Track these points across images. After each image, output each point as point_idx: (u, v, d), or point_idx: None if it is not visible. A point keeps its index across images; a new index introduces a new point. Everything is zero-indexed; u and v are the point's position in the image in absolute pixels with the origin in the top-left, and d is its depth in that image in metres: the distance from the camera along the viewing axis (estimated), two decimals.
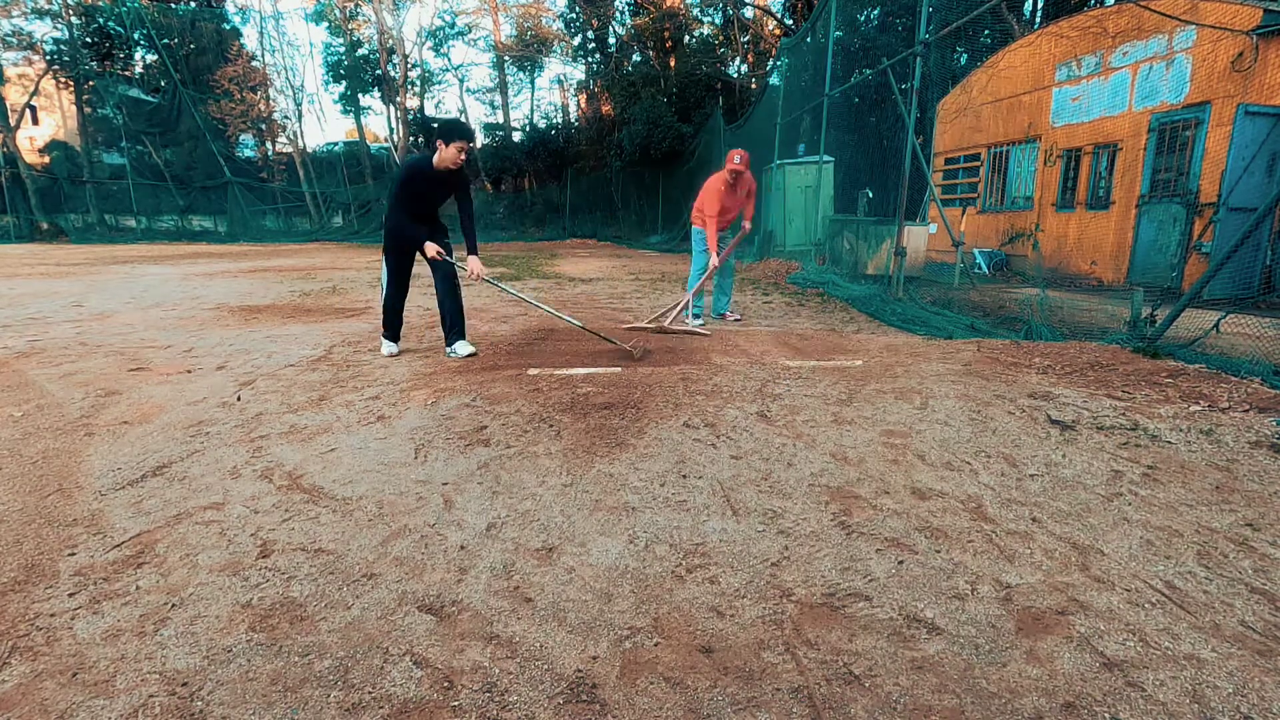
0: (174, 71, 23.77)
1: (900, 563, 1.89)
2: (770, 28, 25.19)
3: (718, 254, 5.73)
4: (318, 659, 1.50)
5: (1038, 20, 16.65)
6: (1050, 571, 1.85)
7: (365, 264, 13.27)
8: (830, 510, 2.21)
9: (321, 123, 57.78)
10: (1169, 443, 2.82)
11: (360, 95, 27.50)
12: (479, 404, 3.35)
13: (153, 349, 4.76)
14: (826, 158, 11.45)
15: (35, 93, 24.59)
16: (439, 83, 32.30)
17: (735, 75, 24.70)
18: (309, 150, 26.96)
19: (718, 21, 25.76)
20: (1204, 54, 8.02)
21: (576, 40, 28.31)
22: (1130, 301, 4.87)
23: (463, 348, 4.50)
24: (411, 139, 27.84)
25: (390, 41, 26.54)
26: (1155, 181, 8.88)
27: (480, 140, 29.27)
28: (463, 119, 30.05)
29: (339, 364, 4.28)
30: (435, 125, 4.84)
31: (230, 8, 26.71)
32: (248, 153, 27.50)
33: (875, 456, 2.68)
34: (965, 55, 14.61)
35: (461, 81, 42.22)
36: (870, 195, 10.91)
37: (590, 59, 28.67)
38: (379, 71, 26.77)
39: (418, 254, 4.47)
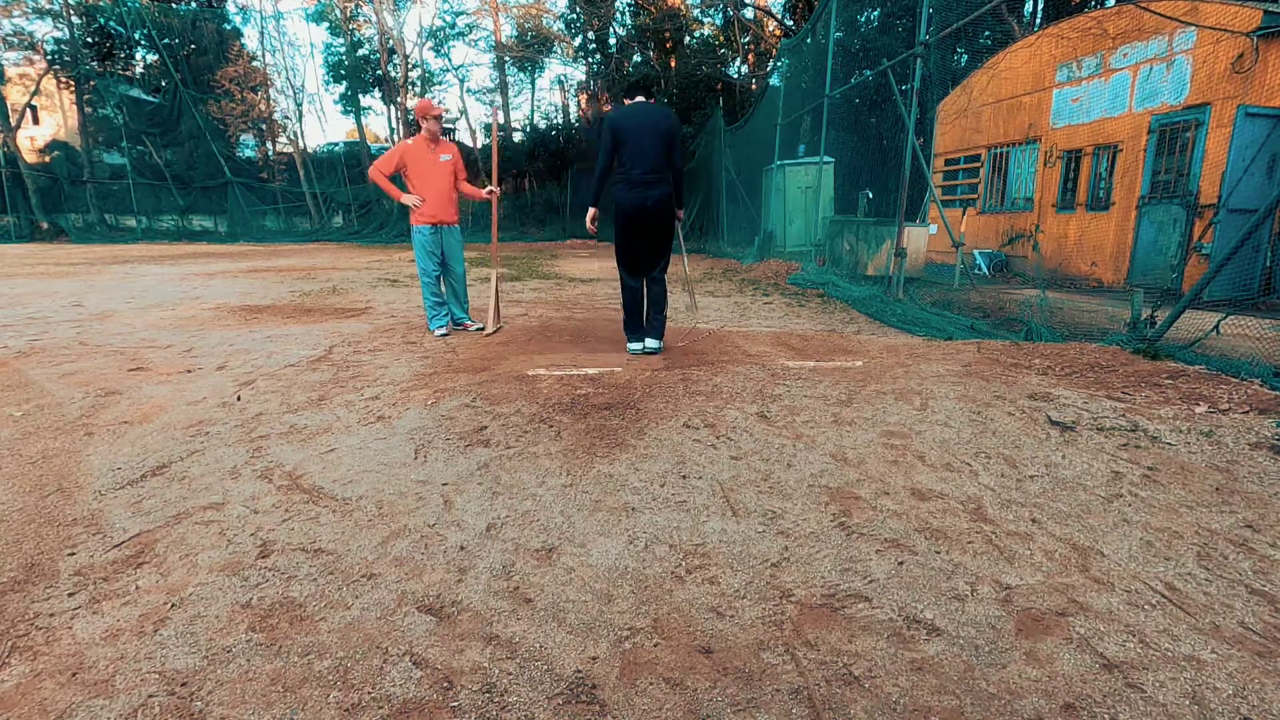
0: (174, 71, 23.78)
1: (900, 564, 1.89)
2: (771, 28, 25.20)
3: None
4: (317, 659, 1.49)
5: (1038, 22, 16.67)
6: (1050, 573, 1.85)
7: (365, 264, 13.28)
8: (830, 511, 2.21)
9: (322, 123, 57.99)
10: (1169, 444, 2.82)
11: (361, 95, 27.52)
12: (479, 404, 3.35)
13: (153, 349, 4.76)
14: (826, 158, 11.46)
15: (36, 92, 24.60)
16: (439, 83, 32.32)
17: (736, 76, 24.70)
18: (309, 150, 26.98)
19: (718, 22, 25.77)
20: (1204, 55, 8.02)
21: (577, 41, 28.32)
22: (1130, 303, 4.87)
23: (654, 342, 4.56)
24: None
25: (391, 41, 26.55)
26: (1155, 183, 8.89)
27: (480, 140, 29.32)
28: (461, 117, 30.10)
29: (339, 364, 4.28)
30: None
31: (231, 8, 26.72)
32: (248, 153, 27.52)
33: (875, 457, 2.68)
34: (965, 56, 14.62)
35: (462, 82, 42.34)
36: (870, 196, 10.91)
37: (591, 59, 28.68)
38: (379, 72, 26.78)
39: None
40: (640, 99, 4.38)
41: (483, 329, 5.48)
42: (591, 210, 4.50)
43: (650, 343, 4.53)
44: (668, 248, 4.52)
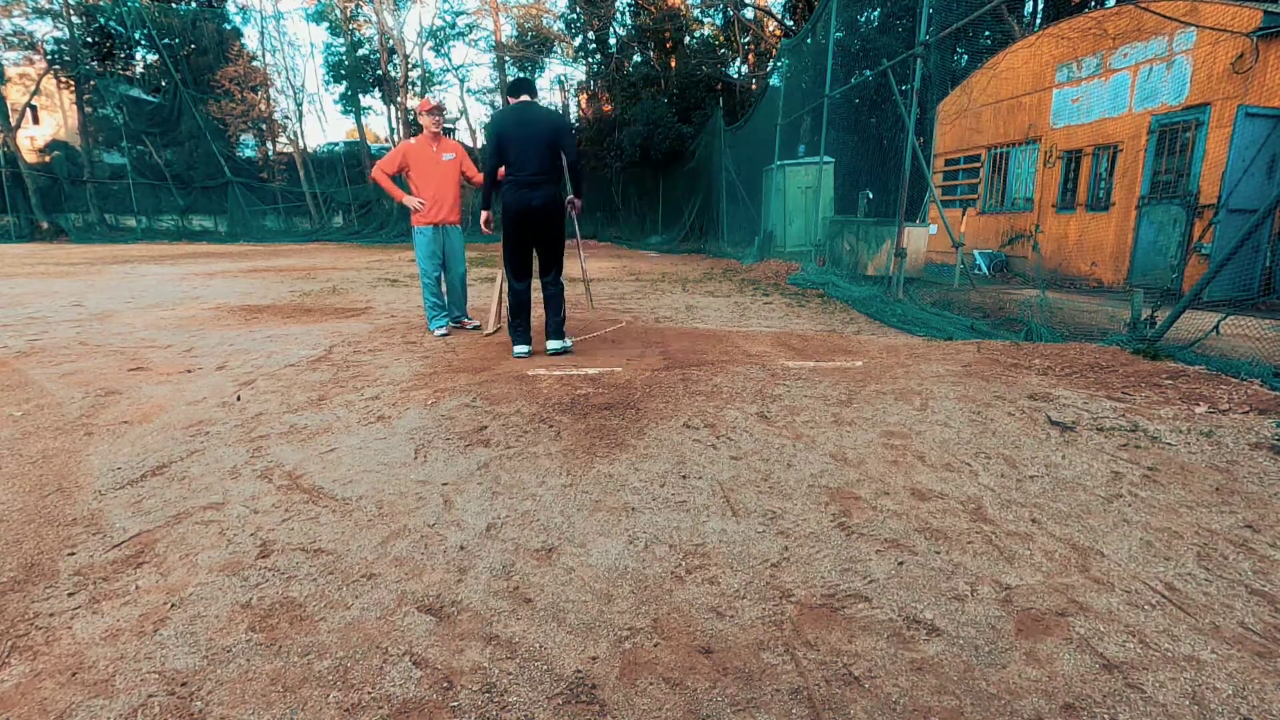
0: (174, 71, 23.78)
1: (900, 564, 1.89)
2: (771, 28, 25.20)
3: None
4: (317, 659, 1.49)
5: (1038, 22, 16.67)
6: (1050, 573, 1.85)
7: (365, 264, 13.28)
8: (830, 511, 2.21)
9: (322, 123, 58.06)
10: (1169, 444, 2.82)
11: (361, 95, 27.53)
12: (479, 404, 3.35)
13: (153, 349, 4.76)
14: (826, 158, 11.46)
15: (36, 92, 24.60)
16: (440, 83, 32.31)
17: (736, 76, 24.69)
18: (309, 150, 26.98)
19: (718, 22, 25.77)
20: (1204, 55, 8.02)
21: (577, 41, 28.33)
22: (1130, 303, 4.87)
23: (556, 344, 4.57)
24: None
25: (391, 41, 26.55)
26: (1155, 183, 8.89)
27: (480, 140, 29.31)
28: (461, 117, 30.13)
29: (339, 364, 4.28)
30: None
31: (231, 8, 26.73)
32: (248, 153, 27.53)
33: (875, 457, 2.68)
34: (965, 56, 14.63)
35: (462, 81, 42.40)
36: (870, 196, 10.91)
37: (591, 59, 28.67)
38: (379, 71, 26.78)
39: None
40: (525, 98, 4.38)
41: (479, 328, 5.51)
42: (484, 214, 4.59)
43: (553, 344, 4.52)
44: (558, 249, 4.52)
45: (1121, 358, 4.15)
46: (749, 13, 24.95)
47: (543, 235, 4.41)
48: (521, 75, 4.61)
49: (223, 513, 2.20)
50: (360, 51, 26.95)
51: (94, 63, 23.74)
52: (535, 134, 4.23)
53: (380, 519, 2.15)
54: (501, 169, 4.35)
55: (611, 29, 27.09)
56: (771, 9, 25.54)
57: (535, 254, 4.50)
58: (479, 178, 5.46)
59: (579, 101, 30.94)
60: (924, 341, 5.13)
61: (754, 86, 22.73)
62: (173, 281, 9.62)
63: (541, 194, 4.28)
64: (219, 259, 14.70)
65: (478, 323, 5.63)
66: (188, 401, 3.45)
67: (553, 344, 4.52)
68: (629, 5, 26.44)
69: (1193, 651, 1.53)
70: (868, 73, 11.40)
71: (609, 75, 26.68)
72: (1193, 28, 7.93)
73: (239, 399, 3.48)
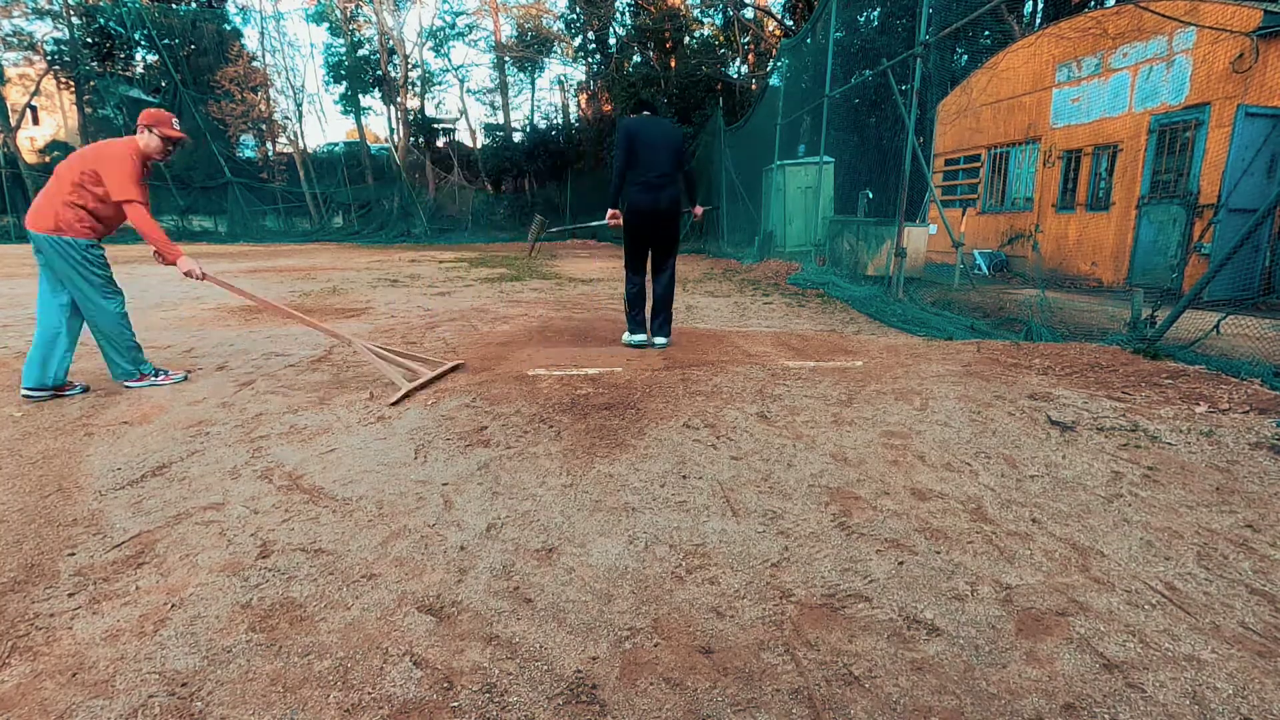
0: (174, 72, 23.77)
1: (900, 564, 1.89)
2: (770, 28, 25.19)
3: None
4: (317, 659, 1.50)
5: (1038, 21, 16.66)
6: (1050, 572, 1.85)
7: (365, 264, 13.27)
8: (830, 511, 2.21)
9: (322, 123, 57.89)
10: (1169, 444, 2.82)
11: (361, 95, 27.53)
12: (479, 404, 3.35)
13: (153, 349, 4.76)
14: (826, 158, 11.46)
15: (36, 93, 24.61)
16: (439, 83, 32.34)
17: (736, 76, 24.69)
18: (309, 151, 26.97)
19: (718, 22, 25.76)
20: (1204, 55, 8.02)
21: (577, 41, 28.33)
22: (1130, 302, 4.87)
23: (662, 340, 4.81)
24: (412, 139, 27.86)
25: (391, 42, 26.55)
26: (1155, 182, 8.88)
27: (480, 140, 29.35)
28: (461, 117, 30.07)
29: (339, 364, 4.28)
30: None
31: (231, 8, 26.74)
32: (248, 153, 27.51)
33: (875, 457, 2.68)
34: (965, 56, 14.63)
35: (462, 82, 42.37)
36: (870, 196, 10.91)
37: (591, 59, 28.68)
38: (379, 72, 26.78)
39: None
40: (647, 113, 4.72)
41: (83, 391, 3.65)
42: (611, 211, 4.71)
43: (660, 339, 4.78)
44: (673, 249, 4.76)
45: (1121, 357, 4.15)
46: (749, 13, 24.94)
47: (663, 234, 4.65)
48: (642, 100, 5.09)
49: (223, 513, 2.20)
50: (360, 52, 26.94)
51: (94, 63, 23.73)
52: (664, 139, 4.52)
53: (380, 519, 2.16)
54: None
55: (611, 29, 27.09)
56: (771, 9, 25.55)
57: (650, 253, 4.71)
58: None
59: (579, 101, 30.92)
60: (924, 341, 5.13)
61: (754, 86, 22.71)
62: (173, 282, 9.62)
63: (667, 194, 4.54)
64: (219, 259, 14.69)
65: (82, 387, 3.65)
66: (188, 402, 3.45)
67: (659, 339, 4.79)
68: (629, 5, 26.43)
69: (1193, 651, 1.53)
70: (867, 73, 11.40)
71: (609, 75, 26.67)
72: (1192, 27, 7.93)
73: (239, 400, 3.48)
